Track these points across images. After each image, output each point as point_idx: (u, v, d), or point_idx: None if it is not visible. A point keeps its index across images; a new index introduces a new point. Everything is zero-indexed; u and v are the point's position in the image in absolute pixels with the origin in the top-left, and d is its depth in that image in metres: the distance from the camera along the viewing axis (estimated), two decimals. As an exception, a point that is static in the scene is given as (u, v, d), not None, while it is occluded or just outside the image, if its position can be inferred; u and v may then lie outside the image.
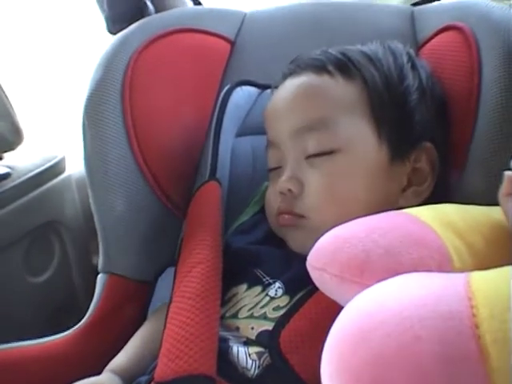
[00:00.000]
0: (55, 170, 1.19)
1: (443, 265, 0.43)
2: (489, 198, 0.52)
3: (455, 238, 0.46)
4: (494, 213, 0.51)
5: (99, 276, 0.79)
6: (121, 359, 0.69)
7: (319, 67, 0.66)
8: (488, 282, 0.36)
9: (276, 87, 0.71)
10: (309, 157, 0.64)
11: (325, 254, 0.46)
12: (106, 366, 0.70)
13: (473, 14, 0.72)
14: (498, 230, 0.49)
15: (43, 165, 1.16)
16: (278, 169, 0.68)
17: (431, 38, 0.78)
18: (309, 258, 0.48)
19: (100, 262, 0.79)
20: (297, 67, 0.69)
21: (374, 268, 0.43)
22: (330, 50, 0.68)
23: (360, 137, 0.63)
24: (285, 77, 0.70)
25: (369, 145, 0.63)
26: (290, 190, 0.64)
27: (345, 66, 0.65)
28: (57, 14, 1.71)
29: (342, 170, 0.62)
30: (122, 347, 0.72)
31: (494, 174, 0.61)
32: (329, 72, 0.65)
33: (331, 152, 0.63)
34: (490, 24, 0.68)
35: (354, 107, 0.64)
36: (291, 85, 0.68)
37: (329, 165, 0.63)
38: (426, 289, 0.36)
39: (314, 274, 0.47)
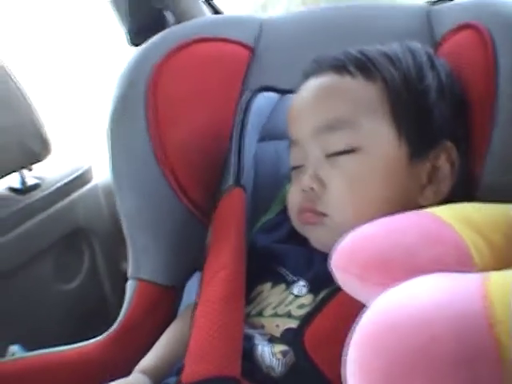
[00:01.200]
0: (82, 179, 1.22)
1: (462, 261, 0.44)
2: (508, 197, 0.52)
3: (474, 234, 0.47)
4: None
5: (129, 282, 0.81)
6: (150, 359, 0.70)
7: (340, 67, 0.67)
8: (503, 282, 0.36)
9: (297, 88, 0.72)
10: (330, 155, 0.65)
11: (346, 254, 0.47)
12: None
13: (489, 12, 0.72)
14: None
15: (71, 175, 1.19)
16: (300, 167, 0.69)
17: (448, 37, 0.78)
18: (331, 257, 0.49)
19: (130, 268, 0.81)
20: (318, 67, 0.70)
21: (393, 267, 0.43)
22: (350, 51, 0.69)
23: (380, 136, 0.64)
24: (306, 76, 0.71)
25: (389, 144, 0.64)
26: (312, 189, 0.65)
27: (365, 66, 0.66)
28: (84, 25, 1.74)
29: (362, 168, 0.63)
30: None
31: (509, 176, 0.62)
32: (350, 72, 0.66)
33: (352, 151, 0.64)
34: (506, 23, 0.68)
35: (375, 106, 0.65)
36: (313, 85, 0.69)
37: (350, 163, 0.64)
38: (442, 289, 0.37)
39: (337, 274, 0.48)
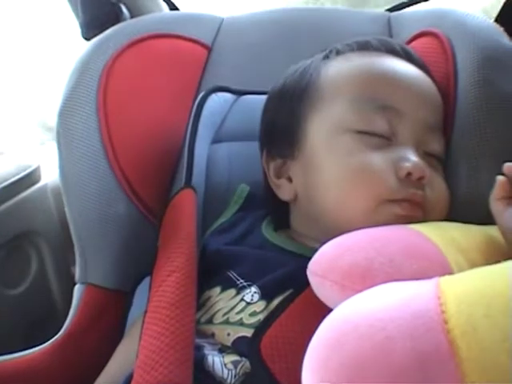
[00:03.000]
0: (30, 179, 1.17)
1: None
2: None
3: (457, 253, 0.47)
4: (490, 231, 0.53)
5: (76, 287, 0.78)
6: None
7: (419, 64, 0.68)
8: (456, 282, 0.37)
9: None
10: (427, 153, 0.63)
11: (326, 261, 0.46)
12: (83, 377, 0.69)
13: (448, 20, 0.74)
14: (496, 248, 0.51)
15: (18, 174, 1.14)
16: (384, 138, 0.61)
17: (407, 43, 0.79)
18: (310, 264, 0.48)
19: (77, 272, 0.78)
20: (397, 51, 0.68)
21: (375, 276, 0.43)
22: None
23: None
24: (361, 48, 0.68)
25: None
26: (422, 178, 0.58)
27: (426, 68, 0.68)
28: (31, 17, 1.69)
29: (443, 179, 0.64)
30: (100, 358, 0.71)
31: (470, 179, 0.63)
32: (426, 71, 0.68)
33: (439, 159, 0.65)
34: (464, 30, 0.69)
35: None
36: (403, 67, 0.66)
37: (439, 170, 0.64)
38: (398, 293, 0.37)
39: (314, 281, 0.47)
